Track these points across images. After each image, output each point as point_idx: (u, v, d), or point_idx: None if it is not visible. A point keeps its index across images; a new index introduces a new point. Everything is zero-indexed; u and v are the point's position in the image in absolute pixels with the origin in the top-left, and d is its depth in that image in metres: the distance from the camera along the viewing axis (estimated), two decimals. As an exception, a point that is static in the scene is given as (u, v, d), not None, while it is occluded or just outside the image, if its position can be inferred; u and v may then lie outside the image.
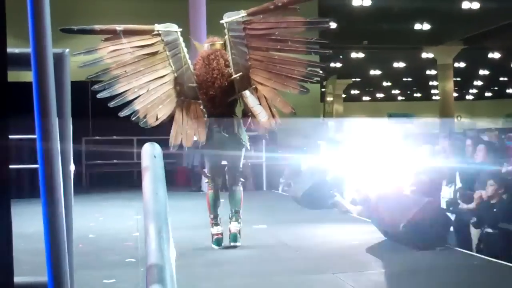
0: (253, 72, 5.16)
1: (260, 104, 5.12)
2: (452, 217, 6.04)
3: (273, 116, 5.13)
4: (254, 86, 5.18)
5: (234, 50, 5.19)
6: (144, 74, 5.22)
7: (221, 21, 5.26)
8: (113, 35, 5.20)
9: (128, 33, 5.19)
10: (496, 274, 4.32)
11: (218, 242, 5.31)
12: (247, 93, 5.18)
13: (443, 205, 6.29)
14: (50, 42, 1.08)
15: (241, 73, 5.17)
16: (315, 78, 4.98)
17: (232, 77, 5.20)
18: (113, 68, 5.21)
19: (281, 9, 4.95)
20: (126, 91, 5.19)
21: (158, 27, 5.30)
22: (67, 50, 1.39)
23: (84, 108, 14.22)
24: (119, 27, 5.19)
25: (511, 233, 5.78)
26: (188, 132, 5.34)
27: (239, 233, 5.33)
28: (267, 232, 6.16)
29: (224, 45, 5.33)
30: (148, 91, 5.23)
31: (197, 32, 12.12)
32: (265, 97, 5.14)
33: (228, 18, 5.18)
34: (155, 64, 5.29)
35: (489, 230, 5.72)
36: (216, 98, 5.22)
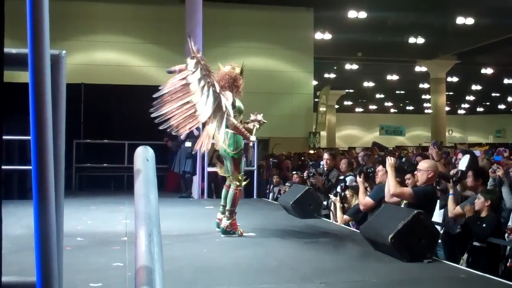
0: None
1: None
2: (441, 230, 6.07)
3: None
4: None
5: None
6: (182, 99, 6.22)
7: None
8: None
9: (180, 70, 6.25)
10: (483, 288, 4.34)
11: (216, 224, 6.60)
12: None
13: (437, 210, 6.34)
14: (48, 43, 1.09)
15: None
16: None
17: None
18: (165, 96, 6.20)
19: None
20: (167, 111, 6.20)
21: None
22: (64, 51, 1.40)
23: (76, 111, 14.18)
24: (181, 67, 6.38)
25: (498, 247, 5.82)
26: (206, 141, 6.38)
27: (226, 228, 6.36)
28: (256, 240, 6.16)
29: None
30: (182, 111, 6.23)
31: (192, 36, 12.14)
32: None
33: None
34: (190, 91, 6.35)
35: (477, 244, 5.76)
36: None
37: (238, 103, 6.54)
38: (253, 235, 6.43)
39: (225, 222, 6.40)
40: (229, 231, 6.34)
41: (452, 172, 6.49)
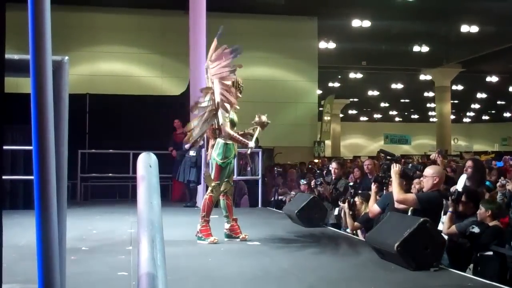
0: None
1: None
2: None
3: None
4: None
5: None
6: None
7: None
8: None
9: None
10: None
11: (225, 234, 6.70)
12: None
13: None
14: (50, 49, 1.07)
15: None
16: None
17: None
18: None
19: None
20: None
21: None
22: (66, 57, 1.39)
23: (81, 120, 14.23)
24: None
25: (504, 255, 5.77)
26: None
27: (197, 233, 6.53)
28: (260, 249, 6.14)
29: None
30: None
31: (196, 46, 12.19)
32: None
33: None
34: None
35: (483, 252, 5.72)
36: None
37: (232, 115, 6.54)
38: (258, 244, 6.41)
39: (226, 226, 6.66)
40: (200, 236, 6.49)
41: (452, 190, 6.42)
